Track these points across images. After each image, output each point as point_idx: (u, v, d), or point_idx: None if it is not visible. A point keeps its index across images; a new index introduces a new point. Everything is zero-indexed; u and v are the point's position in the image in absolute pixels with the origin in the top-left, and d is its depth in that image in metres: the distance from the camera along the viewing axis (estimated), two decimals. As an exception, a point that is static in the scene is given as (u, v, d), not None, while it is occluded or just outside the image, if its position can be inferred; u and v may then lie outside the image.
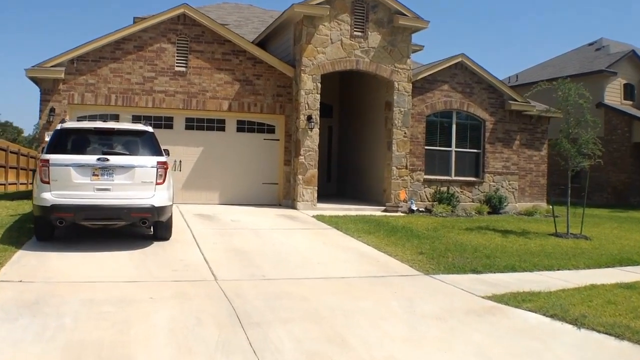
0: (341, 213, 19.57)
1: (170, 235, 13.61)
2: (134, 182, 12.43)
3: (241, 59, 21.37)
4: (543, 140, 26.38)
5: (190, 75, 20.92)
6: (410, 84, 22.19)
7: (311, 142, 20.83)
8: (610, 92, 36.15)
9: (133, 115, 20.53)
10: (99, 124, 14.24)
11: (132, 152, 12.89)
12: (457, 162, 24.09)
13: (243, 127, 21.82)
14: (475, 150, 24.53)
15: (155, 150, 12.98)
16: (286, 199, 21.70)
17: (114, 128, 13.34)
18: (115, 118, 19.99)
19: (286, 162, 21.84)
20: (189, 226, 15.68)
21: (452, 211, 21.85)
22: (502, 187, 24.69)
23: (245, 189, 21.69)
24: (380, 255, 13.01)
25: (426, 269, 11.78)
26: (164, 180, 12.71)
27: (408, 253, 13.23)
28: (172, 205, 13.22)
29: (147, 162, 12.61)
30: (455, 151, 24.05)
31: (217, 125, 21.54)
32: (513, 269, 12.33)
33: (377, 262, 12.41)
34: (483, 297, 9.81)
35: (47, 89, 19.91)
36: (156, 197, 12.52)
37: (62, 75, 19.76)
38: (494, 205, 23.50)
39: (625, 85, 36.91)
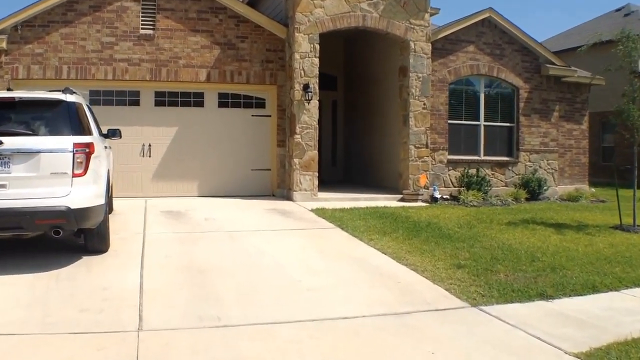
0: (348, 205, 15.81)
1: (106, 247, 9.83)
2: (40, 175, 8.56)
3: (221, 18, 17.52)
4: (583, 111, 22.57)
5: (158, 39, 17.12)
6: (429, 44, 18.32)
7: (309, 117, 16.96)
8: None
9: (90, 90, 16.79)
10: (-5, 93, 10.40)
11: (39, 131, 8.98)
12: (487, 138, 20.32)
13: (226, 101, 18.01)
14: (507, 124, 20.76)
15: (75, 127, 9.01)
16: (280, 188, 17.94)
17: (14, 98, 9.29)
18: (69, 94, 16.10)
19: (280, 142, 18.06)
20: (145, 229, 12.00)
21: (483, 199, 18.02)
22: (539, 167, 20.93)
23: (230, 177, 17.91)
24: (401, 271, 9.13)
25: (472, 296, 7.88)
26: (85, 170, 8.79)
27: (440, 266, 9.36)
28: (103, 205, 9.35)
29: (58, 144, 8.70)
30: (485, 125, 20.26)
31: (194, 99, 17.75)
32: (594, 288, 8.57)
33: (397, 283, 8.48)
34: (576, 357, 5.93)
35: (-14, 62, 16.21)
36: (74, 194, 8.63)
37: (4, 45, 16.09)
38: (532, 189, 19.72)
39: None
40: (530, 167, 20.66)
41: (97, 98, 16.85)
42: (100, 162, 9.59)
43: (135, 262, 9.18)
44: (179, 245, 10.44)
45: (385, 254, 10.09)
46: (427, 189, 18.06)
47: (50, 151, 8.62)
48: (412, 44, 17.99)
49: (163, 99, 17.47)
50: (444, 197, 18.33)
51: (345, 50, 23.89)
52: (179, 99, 17.58)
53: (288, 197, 17.24)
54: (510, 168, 20.44)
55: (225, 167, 17.80)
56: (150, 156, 17.20)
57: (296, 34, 16.86)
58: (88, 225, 9.00)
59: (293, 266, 9.24)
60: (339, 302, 7.49)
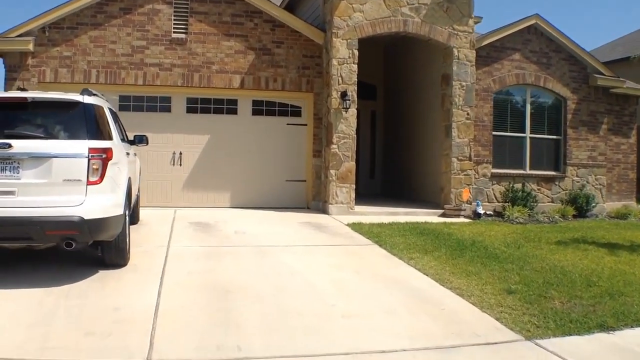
0: (386, 219, 14.96)
1: (125, 261, 9.10)
2: (51, 181, 7.86)
3: (256, 22, 16.80)
4: (631, 124, 21.57)
5: (191, 43, 16.46)
6: (474, 51, 17.42)
7: (347, 126, 16.13)
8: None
9: (120, 95, 16.28)
10: (7, 93, 9.75)
11: (53, 134, 8.28)
12: (533, 151, 19.35)
13: (260, 108, 17.24)
14: (554, 137, 19.78)
15: (92, 131, 8.29)
16: (316, 201, 17.13)
17: (26, 98, 8.57)
18: (98, 99, 15.45)
19: (316, 153, 17.24)
20: (169, 241, 11.24)
21: (529, 215, 17.07)
22: (587, 182, 19.92)
23: (263, 188, 17.14)
24: (445, 295, 8.25)
25: (526, 327, 6.97)
26: (101, 178, 8.08)
27: (489, 290, 8.47)
28: (122, 215, 8.61)
29: (73, 148, 8.00)
30: (530, 138, 19.31)
31: (227, 106, 17.03)
32: (659, 317, 7.55)
33: (441, 310, 7.60)
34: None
35: (13, 64, 15.73)
36: (89, 203, 7.92)
37: (31, 47, 15.55)
38: (580, 206, 18.68)
39: None
40: (578, 182, 19.69)
41: (127, 104, 16.29)
42: (120, 170, 8.86)
43: (154, 279, 8.41)
44: (204, 261, 9.66)
45: (427, 275, 9.22)
46: (470, 204, 17.16)
47: (64, 156, 7.92)
48: (455, 51, 17.13)
49: (195, 106, 16.81)
50: (488, 212, 17.42)
51: (384, 58, 23.09)
52: (212, 106, 16.90)
53: (323, 210, 16.45)
54: (557, 183, 19.47)
55: (258, 177, 17.06)
56: (180, 165, 16.54)
57: (334, 39, 16.09)
58: (104, 237, 8.28)
59: (326, 288, 8.39)
60: (377, 332, 6.64)
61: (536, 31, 19.12)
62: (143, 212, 14.23)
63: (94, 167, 7.99)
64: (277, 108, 17.32)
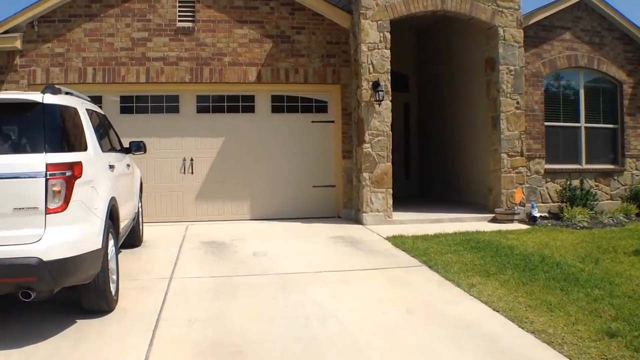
0: (430, 229, 12.88)
1: (110, 305, 7.07)
2: (-2, 210, 5.83)
3: (272, 6, 14.83)
4: (689, 110, 19.18)
5: (199, 32, 14.53)
6: (521, 31, 15.30)
7: (380, 121, 14.07)
8: None
9: (121, 96, 14.64)
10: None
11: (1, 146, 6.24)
12: (588, 143, 17.17)
13: (281, 105, 15.23)
14: (610, 126, 17.57)
15: (53, 140, 6.23)
16: (347, 209, 15.08)
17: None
18: (97, 101, 13.46)
19: (346, 154, 15.17)
20: (174, 271, 9.28)
21: (591, 217, 14.97)
22: (647, 175, 17.68)
23: (287, 196, 15.15)
24: (529, 345, 6.11)
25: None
26: (66, 203, 6.06)
27: (583, 333, 6.36)
28: (100, 250, 6.55)
29: (24, 165, 5.96)
30: (585, 127, 17.13)
31: (243, 104, 15.04)
32: None
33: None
34: None
35: (0, 65, 13.87)
36: (49, 239, 5.94)
37: (19, 45, 13.82)
38: (644, 203, 16.53)
39: None
40: (637, 175, 17.51)
41: (129, 105, 14.57)
42: (96, 190, 6.78)
43: (143, 333, 6.36)
44: (212, 300, 7.60)
45: (497, 312, 7.11)
46: (524, 206, 15.05)
47: (12, 176, 5.88)
48: (500, 31, 15.00)
49: (206, 104, 14.89)
50: (543, 215, 15.37)
51: (417, 44, 21.08)
52: (225, 104, 14.96)
53: (356, 220, 14.41)
54: (615, 178, 17.29)
55: (281, 184, 15.08)
56: (192, 173, 14.64)
57: (362, 21, 14.01)
58: (73, 282, 6.28)
59: (371, 342, 6.22)
60: None
61: (587, 7, 16.96)
62: (149, 230, 12.49)
63: (55, 189, 5.96)
64: (299, 104, 15.31)
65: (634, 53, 17.57)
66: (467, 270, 9.11)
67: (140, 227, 11.31)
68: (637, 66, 17.58)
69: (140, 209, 11.38)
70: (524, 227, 13.83)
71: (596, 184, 16.89)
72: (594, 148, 17.27)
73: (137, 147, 10.40)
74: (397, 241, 11.52)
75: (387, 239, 11.90)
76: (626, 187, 17.26)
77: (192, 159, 14.55)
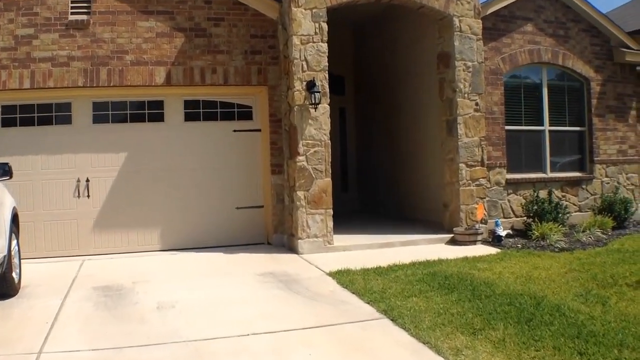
0: (380, 257, 10.62)
1: None
2: None
3: (185, -7, 12.30)
4: (657, 109, 17.39)
5: (95, 26, 11.94)
6: (480, 21, 13.17)
7: (317, 128, 11.72)
8: None
9: (2, 106, 11.83)
10: None
11: None
12: (553, 148, 15.15)
13: (196, 112, 12.74)
14: (577, 128, 15.58)
15: None
16: (279, 234, 12.65)
17: None
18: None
19: (275, 168, 12.73)
20: (47, 338, 6.77)
21: (563, 233, 12.83)
22: (618, 183, 15.79)
23: (206, 220, 12.62)
24: None
25: None
26: None
27: None
28: None
29: None
30: (550, 131, 15.09)
31: (150, 111, 12.47)
32: None
33: None
34: None
35: None
36: None
37: None
38: (618, 214, 14.47)
39: None
40: (607, 183, 15.57)
41: (12, 116, 11.94)
42: None
43: None
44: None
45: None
46: (486, 223, 12.87)
47: None
48: (456, 21, 12.81)
49: (105, 113, 12.26)
50: (509, 233, 13.27)
51: (355, 42, 18.92)
52: (128, 112, 12.41)
53: (290, 247, 12.02)
54: (583, 187, 15.31)
55: (198, 206, 12.57)
56: (88, 196, 12.02)
57: (294, 9, 11.63)
58: None
59: None
60: None
61: None
62: (33, 271, 10.09)
63: None
64: (219, 110, 12.83)
65: (602, 47, 15.66)
66: (444, 324, 6.75)
67: (14, 272, 8.67)
68: (605, 61, 15.68)
69: (15, 249, 8.84)
70: (492, 250, 11.62)
71: (563, 194, 14.88)
72: (559, 154, 15.33)
73: (3, 172, 7.98)
74: (344, 278, 9.12)
75: (331, 274, 9.51)
76: (596, 196, 15.33)
77: (88, 180, 11.95)
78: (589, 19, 15.35)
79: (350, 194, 18.97)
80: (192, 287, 9.02)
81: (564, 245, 11.87)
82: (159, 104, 12.41)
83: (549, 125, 14.97)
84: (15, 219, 9.17)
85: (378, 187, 17.76)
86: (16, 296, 8.58)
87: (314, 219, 11.60)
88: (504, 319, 6.84)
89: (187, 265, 10.77)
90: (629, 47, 15.78)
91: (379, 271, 9.53)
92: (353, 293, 8.35)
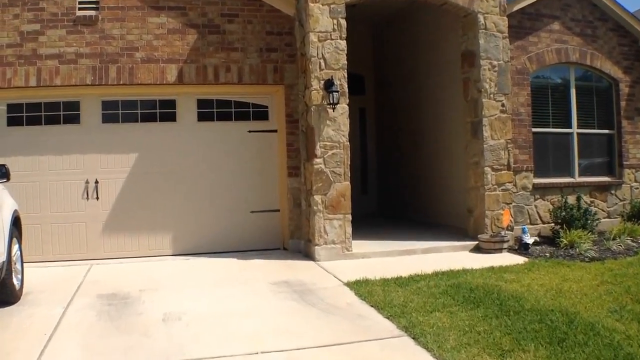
0: (401, 266, 10.12)
1: None
2: None
3: (198, -13, 11.82)
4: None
5: (104, 22, 11.48)
6: (505, 18, 12.58)
7: (335, 129, 11.20)
8: None
9: (8, 104, 11.50)
10: None
11: None
12: (581, 152, 14.51)
13: (209, 111, 12.21)
14: (605, 131, 14.93)
15: None
16: (295, 239, 12.12)
17: None
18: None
19: (292, 171, 12.18)
20: (43, 352, 6.34)
21: (593, 241, 12.22)
22: (647, 188, 15.18)
23: (219, 224, 12.12)
24: None
25: None
26: None
27: None
28: None
29: None
30: (578, 134, 14.46)
31: (161, 110, 11.98)
32: None
33: None
34: None
35: None
36: None
37: None
38: (649, 221, 13.89)
39: None
40: (637, 189, 15.00)
41: (19, 115, 11.50)
42: None
43: None
44: None
45: None
46: (512, 230, 12.31)
47: None
48: (480, 18, 12.26)
49: (114, 112, 11.79)
50: (536, 240, 12.61)
51: (375, 40, 18.36)
52: (139, 111, 11.92)
53: (307, 253, 11.51)
54: (612, 192, 14.70)
55: (211, 210, 12.08)
56: (98, 198, 11.57)
57: (311, 5, 11.13)
58: None
59: None
60: None
61: None
62: (37, 275, 9.77)
63: None
64: (233, 109, 12.30)
65: (630, 47, 15.03)
66: (470, 344, 6.22)
67: (14, 278, 8.23)
68: (634, 62, 15.07)
69: (17, 254, 8.44)
70: (519, 259, 11.01)
71: (592, 199, 14.28)
72: (588, 157, 14.70)
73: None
74: (363, 289, 8.58)
75: (349, 284, 8.98)
76: (625, 202, 14.72)
77: (97, 181, 11.49)
78: (616, 17, 14.76)
79: (370, 197, 18.48)
80: (201, 297, 8.53)
81: (594, 255, 11.27)
82: (170, 103, 11.92)
83: (577, 128, 14.35)
84: (16, 222, 8.73)
85: (399, 191, 17.19)
86: (17, 303, 8.18)
87: (332, 225, 11.08)
88: (534, 339, 6.29)
89: (198, 272, 10.27)
90: (656, 47, 15.20)
91: (399, 282, 9.00)
92: (372, 306, 7.83)
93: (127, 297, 8.54)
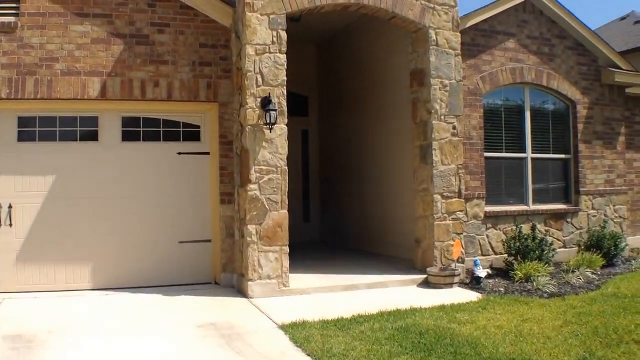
0: (343, 304, 9.32)
1: None
2: None
3: (126, -6, 10.81)
4: (646, 134, 16.26)
5: (24, 30, 10.35)
6: (458, 34, 11.86)
7: (272, 152, 10.22)
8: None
9: None
10: None
11: None
12: (536, 178, 13.88)
13: (135, 130, 11.12)
14: (561, 156, 14.37)
15: None
16: (228, 272, 11.06)
17: None
18: None
19: (225, 197, 11.14)
20: None
21: (550, 273, 11.46)
22: (604, 215, 14.54)
23: (144, 255, 10.99)
24: None
25: None
26: None
27: None
28: None
29: None
30: (532, 159, 13.83)
31: (82, 129, 10.86)
32: None
33: None
34: None
35: None
36: None
37: None
38: (608, 250, 13.18)
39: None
40: (594, 216, 14.38)
41: None
42: None
43: None
44: None
45: None
46: (463, 262, 11.45)
47: None
48: (432, 33, 11.50)
49: (31, 130, 10.63)
50: (489, 272, 11.85)
51: (319, 58, 17.63)
52: (57, 129, 10.74)
53: (240, 289, 10.47)
54: (568, 220, 14.04)
55: (136, 239, 10.95)
56: (11, 224, 10.38)
57: (248, 15, 10.14)
58: None
59: None
60: None
61: (534, 9, 13.87)
62: None
63: None
64: (161, 129, 11.22)
65: (589, 66, 14.52)
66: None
67: None
68: (592, 82, 14.55)
69: None
70: (471, 295, 10.18)
71: (547, 228, 13.62)
72: (542, 183, 14.05)
73: None
74: (299, 334, 7.60)
75: (284, 327, 7.99)
76: (582, 230, 14.11)
77: (10, 206, 10.33)
78: (575, 35, 14.21)
79: (313, 224, 17.64)
80: (112, 343, 7.46)
81: (553, 290, 10.49)
82: (92, 121, 10.80)
83: (532, 152, 13.71)
84: None
85: (343, 218, 16.31)
86: None
87: (267, 258, 10.06)
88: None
89: (115, 312, 9.18)
90: (618, 67, 14.66)
91: (340, 324, 8.06)
92: (308, 355, 6.86)
93: (32, 339, 7.48)
